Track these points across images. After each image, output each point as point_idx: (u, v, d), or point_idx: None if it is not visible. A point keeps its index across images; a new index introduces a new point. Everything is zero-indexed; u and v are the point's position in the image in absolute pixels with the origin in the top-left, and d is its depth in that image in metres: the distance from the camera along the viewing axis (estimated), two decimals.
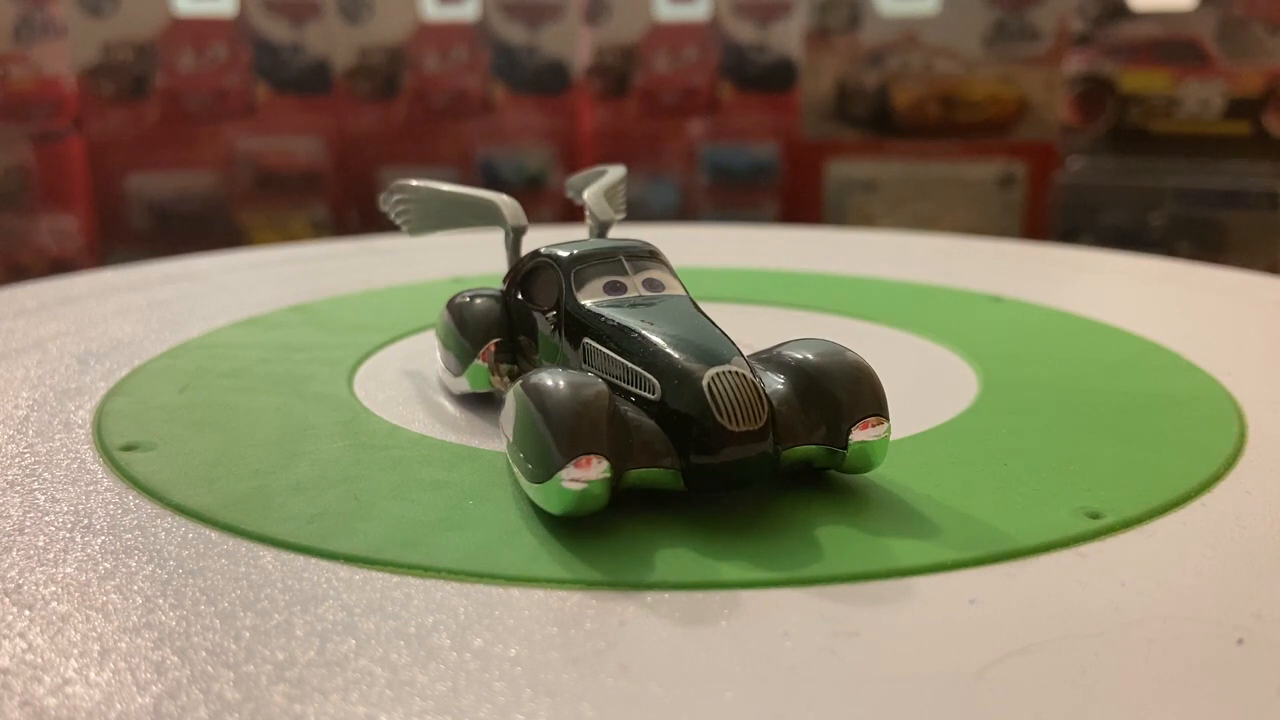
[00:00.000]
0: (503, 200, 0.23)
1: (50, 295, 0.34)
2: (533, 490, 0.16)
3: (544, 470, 0.15)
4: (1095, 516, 0.16)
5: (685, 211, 0.95)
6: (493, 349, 0.21)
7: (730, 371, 0.16)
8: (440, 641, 0.13)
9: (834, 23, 0.89)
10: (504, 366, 0.21)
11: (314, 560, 0.15)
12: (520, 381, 0.16)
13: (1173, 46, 0.82)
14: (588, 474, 0.15)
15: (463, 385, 0.22)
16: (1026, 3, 0.85)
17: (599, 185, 0.25)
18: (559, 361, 0.19)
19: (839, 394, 0.17)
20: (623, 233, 0.25)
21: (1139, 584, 0.14)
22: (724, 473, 0.16)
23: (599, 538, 0.15)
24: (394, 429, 0.21)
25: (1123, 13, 0.83)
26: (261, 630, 0.13)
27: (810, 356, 0.17)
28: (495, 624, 0.13)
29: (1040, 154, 0.87)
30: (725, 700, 0.12)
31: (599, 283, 0.19)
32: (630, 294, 0.19)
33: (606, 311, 0.18)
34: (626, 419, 0.16)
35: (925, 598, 0.14)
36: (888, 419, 0.17)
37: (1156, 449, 0.20)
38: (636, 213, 0.96)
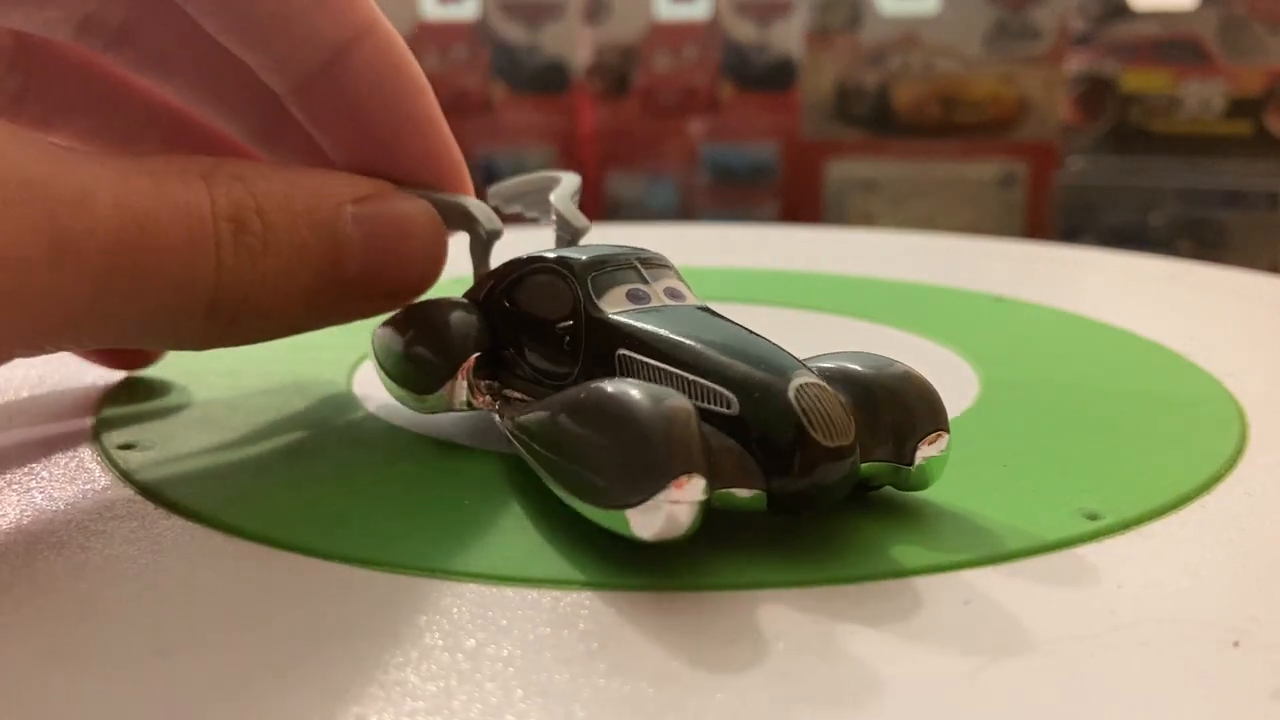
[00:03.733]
0: (472, 203, 0.21)
1: None
2: (608, 516, 0.14)
3: (632, 492, 0.13)
4: (1093, 518, 0.16)
5: (685, 211, 0.95)
6: (471, 364, 0.19)
7: (814, 383, 0.15)
8: (433, 641, 0.13)
9: (834, 23, 0.89)
10: (484, 384, 0.19)
11: (311, 560, 0.15)
12: (580, 394, 0.15)
13: (1173, 46, 0.82)
14: (686, 495, 0.13)
15: (434, 405, 0.19)
16: (1026, 3, 0.85)
17: (563, 191, 0.23)
18: (573, 376, 0.18)
19: (908, 407, 0.16)
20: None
21: (1135, 586, 0.14)
22: (812, 493, 0.14)
23: (593, 538, 0.15)
24: (393, 429, 0.21)
25: (1123, 12, 0.83)
26: (259, 629, 0.13)
27: (861, 368, 0.16)
28: (488, 624, 0.13)
29: (1040, 154, 0.87)
30: (717, 701, 0.12)
31: (619, 291, 0.18)
32: (655, 303, 0.18)
33: (644, 322, 0.17)
34: (707, 435, 0.14)
35: (920, 599, 0.14)
36: (949, 432, 0.16)
37: (1157, 450, 0.20)
38: (637, 213, 0.96)
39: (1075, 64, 0.85)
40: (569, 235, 0.22)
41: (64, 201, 0.14)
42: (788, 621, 0.13)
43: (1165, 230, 0.83)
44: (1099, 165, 0.86)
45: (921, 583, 0.14)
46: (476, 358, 0.19)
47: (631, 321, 0.17)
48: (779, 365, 0.15)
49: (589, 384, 0.15)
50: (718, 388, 0.15)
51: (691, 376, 0.15)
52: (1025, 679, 0.12)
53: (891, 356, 0.16)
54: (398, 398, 0.20)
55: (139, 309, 0.15)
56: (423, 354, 0.19)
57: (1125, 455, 0.19)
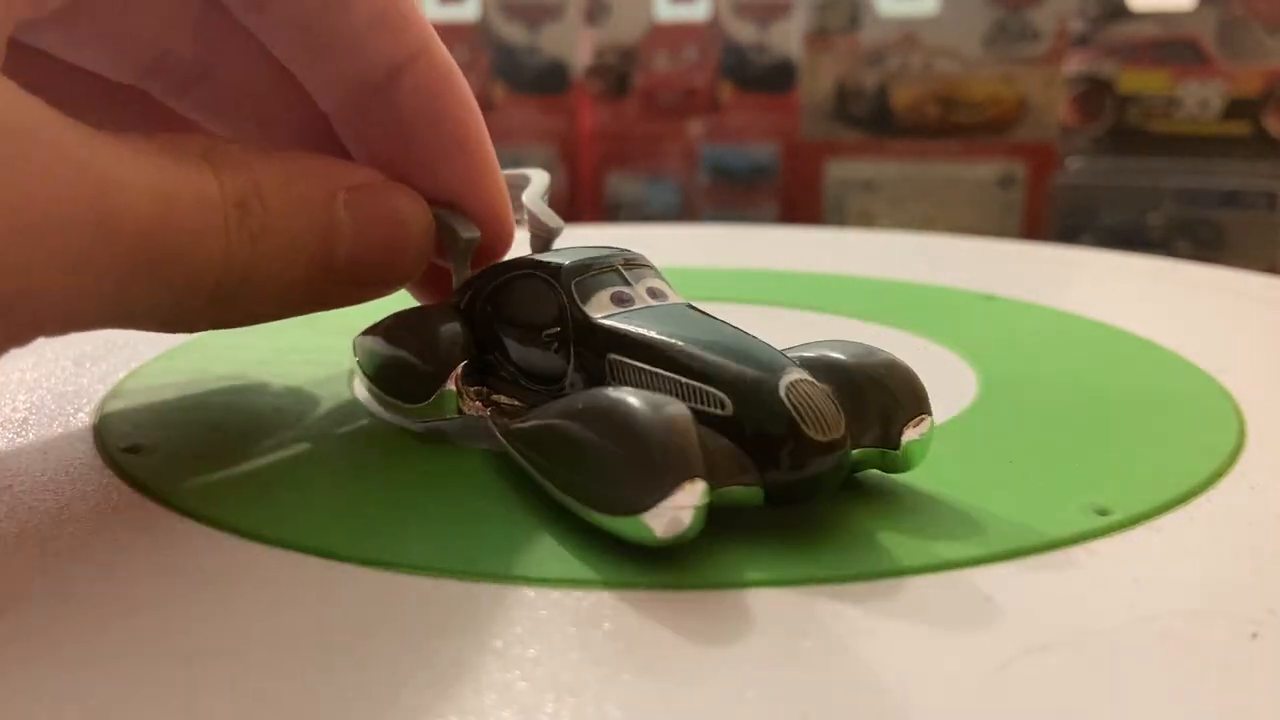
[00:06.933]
0: (448, 212, 0.20)
1: None
2: (617, 522, 0.14)
3: (639, 499, 0.14)
4: (1103, 513, 0.16)
5: (685, 211, 0.95)
6: (460, 372, 0.19)
7: (803, 380, 0.15)
8: (458, 643, 0.13)
9: (834, 23, 0.89)
10: (472, 390, 0.19)
11: (330, 563, 0.15)
12: (579, 404, 0.15)
13: (1172, 47, 0.82)
14: (692, 499, 0.14)
15: (423, 413, 0.20)
16: (1026, 3, 0.85)
17: (534, 191, 0.23)
18: (565, 382, 0.18)
19: (891, 393, 0.16)
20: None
21: (1151, 580, 0.14)
22: (807, 485, 0.15)
23: (607, 539, 0.15)
24: (399, 430, 0.21)
25: (1122, 13, 0.84)
26: (282, 634, 0.13)
27: (844, 358, 0.16)
28: (513, 624, 0.13)
29: (1039, 154, 0.88)
30: (748, 699, 0.12)
31: (604, 294, 0.18)
32: (639, 304, 0.18)
33: (632, 325, 0.17)
34: (704, 437, 0.15)
35: (942, 595, 0.14)
36: (931, 415, 0.16)
37: (1158, 446, 0.20)
38: (637, 213, 0.96)
39: (1074, 65, 0.85)
40: (543, 236, 0.22)
41: (107, 179, 0.14)
42: (812, 620, 0.13)
43: (1163, 231, 0.83)
44: (1097, 166, 0.86)
45: (942, 579, 0.14)
46: (464, 365, 0.19)
47: (620, 326, 0.17)
48: (768, 363, 0.15)
49: (587, 393, 0.15)
50: (712, 389, 0.15)
51: (685, 380, 0.16)
52: (1050, 673, 0.12)
53: (869, 344, 0.17)
54: (385, 406, 0.20)
55: (157, 288, 0.15)
56: (411, 363, 0.20)
57: (1128, 451, 0.19)
